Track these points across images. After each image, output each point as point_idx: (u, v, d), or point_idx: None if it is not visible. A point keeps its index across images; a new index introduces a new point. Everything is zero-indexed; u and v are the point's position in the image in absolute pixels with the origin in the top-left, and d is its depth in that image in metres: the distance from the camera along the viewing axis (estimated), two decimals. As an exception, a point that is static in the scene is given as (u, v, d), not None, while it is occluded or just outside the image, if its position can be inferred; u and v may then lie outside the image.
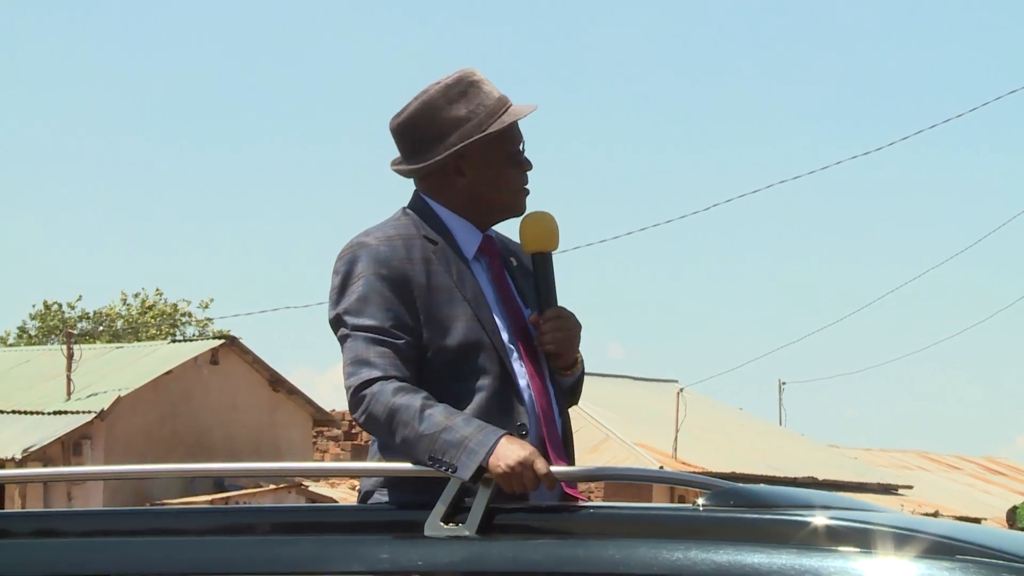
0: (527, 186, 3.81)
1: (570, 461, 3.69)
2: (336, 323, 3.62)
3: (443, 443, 3.35)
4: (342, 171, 59.68)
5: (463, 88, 3.78)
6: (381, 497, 3.57)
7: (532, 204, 3.85)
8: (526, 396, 3.65)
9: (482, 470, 3.30)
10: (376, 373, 3.49)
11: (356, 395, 3.50)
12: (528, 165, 3.81)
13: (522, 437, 3.52)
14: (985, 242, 31.43)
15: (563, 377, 3.77)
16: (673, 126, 57.92)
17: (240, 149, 61.06)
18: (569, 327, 3.70)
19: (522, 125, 3.83)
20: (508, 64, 55.23)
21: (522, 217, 3.79)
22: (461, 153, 3.74)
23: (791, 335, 65.36)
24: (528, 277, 3.81)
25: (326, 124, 61.79)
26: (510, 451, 3.33)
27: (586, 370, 3.91)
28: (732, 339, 56.73)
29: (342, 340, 3.60)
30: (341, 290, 3.62)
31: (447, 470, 3.32)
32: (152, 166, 60.93)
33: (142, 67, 62.09)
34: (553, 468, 3.37)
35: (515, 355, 3.68)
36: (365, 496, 3.63)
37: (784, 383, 38.85)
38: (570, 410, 3.85)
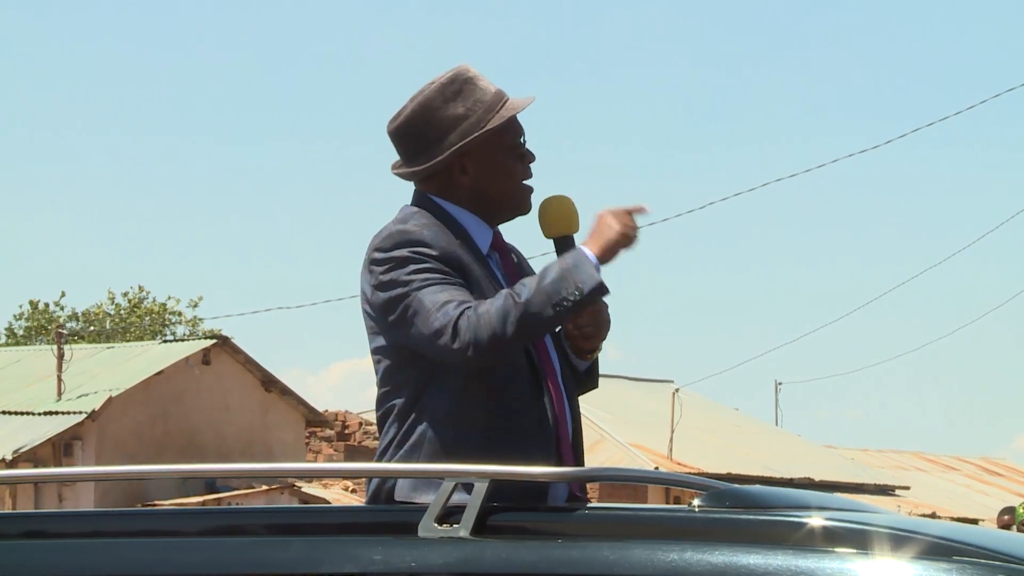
0: (531, 179, 3.82)
1: (579, 462, 3.71)
2: (387, 287, 3.58)
3: (550, 287, 3.46)
4: (334, 170, 59.72)
5: (459, 86, 3.78)
6: (413, 495, 3.52)
7: (534, 200, 3.83)
8: (547, 390, 3.67)
9: (597, 273, 3.46)
10: (458, 308, 3.49)
11: (455, 329, 3.47)
12: (531, 157, 3.82)
13: (551, 427, 3.60)
14: (982, 241, 31.40)
15: (584, 360, 3.77)
16: (669, 124, 57.96)
17: (230, 146, 60.98)
18: (601, 309, 3.67)
19: (521, 119, 3.83)
20: (497, 61, 55.17)
21: (541, 201, 3.78)
22: (463, 151, 3.75)
23: (787, 335, 65.31)
24: (527, 267, 3.82)
25: (318, 122, 61.79)
26: (605, 232, 3.54)
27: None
28: (728, 339, 56.78)
29: (402, 300, 3.55)
30: (392, 266, 3.59)
31: (578, 297, 3.45)
32: (136, 163, 60.82)
33: (126, 64, 62.12)
34: (555, 469, 3.41)
35: (531, 347, 3.68)
36: (386, 494, 3.58)
37: (780, 383, 38.84)
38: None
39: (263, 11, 62.22)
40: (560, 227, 3.73)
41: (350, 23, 61.65)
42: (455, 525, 3.11)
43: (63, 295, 48.93)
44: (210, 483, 26.54)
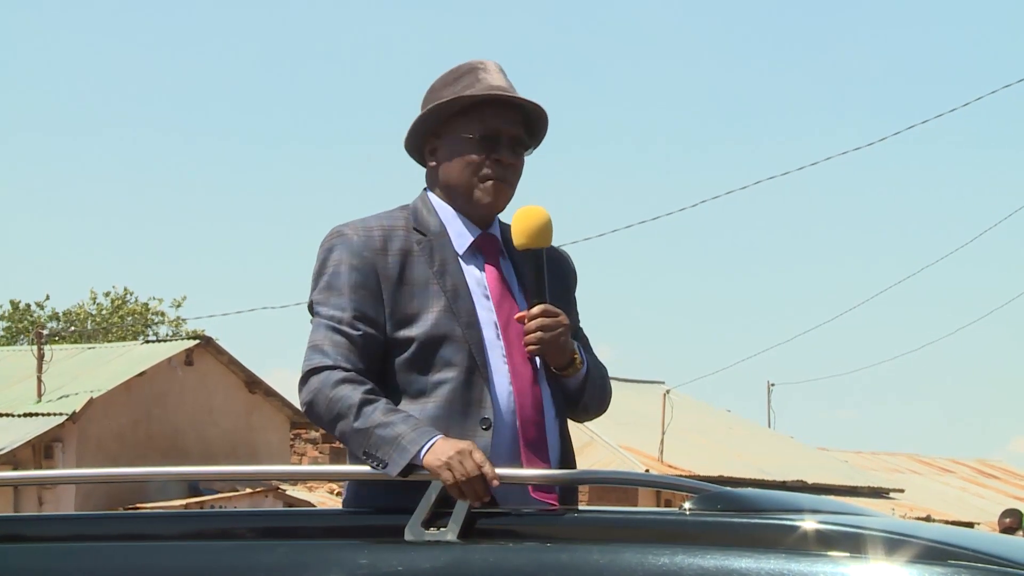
0: (501, 179, 3.73)
1: (563, 467, 3.65)
2: (309, 308, 3.70)
3: (377, 439, 3.42)
4: (318, 170, 59.65)
5: (460, 73, 3.78)
6: (363, 494, 3.57)
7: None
8: (500, 392, 3.60)
9: (412, 467, 3.34)
10: (326, 362, 3.54)
11: (304, 381, 3.56)
12: (503, 156, 3.72)
13: (484, 431, 3.53)
14: (979, 241, 31.17)
15: (565, 377, 3.71)
16: (660, 123, 57.80)
17: (214, 146, 60.89)
18: (552, 327, 3.63)
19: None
20: (488, 55, 54.79)
21: (517, 210, 3.74)
22: (437, 134, 3.76)
23: (780, 335, 65.43)
24: (556, 278, 3.77)
25: (303, 122, 61.75)
26: (447, 446, 3.34)
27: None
28: (720, 339, 56.61)
29: (311, 310, 3.68)
30: (316, 277, 3.68)
31: (378, 466, 3.38)
32: (120, 163, 60.64)
33: (108, 64, 61.94)
34: (510, 471, 3.36)
35: (499, 351, 3.64)
36: (350, 494, 3.64)
37: (773, 384, 38.92)
38: None
39: (246, 10, 62.14)
40: (527, 240, 3.68)
41: (337, 20, 61.60)
42: (442, 529, 3.11)
43: (47, 297, 48.93)
44: (193, 486, 26.48)
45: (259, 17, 61.67)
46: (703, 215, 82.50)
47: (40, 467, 25.92)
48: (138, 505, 24.81)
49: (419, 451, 3.35)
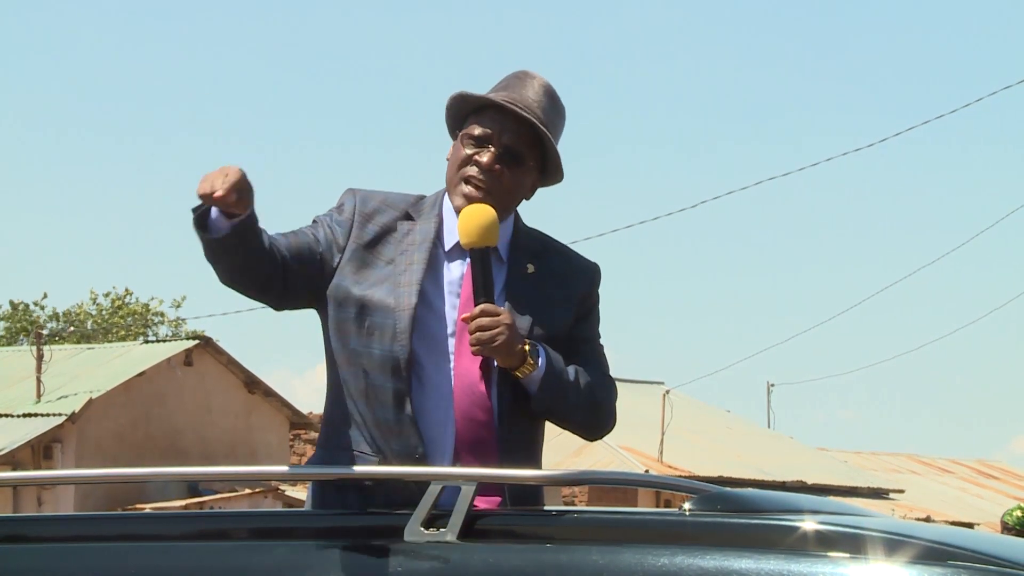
0: (478, 181, 3.74)
1: (509, 465, 3.59)
2: None
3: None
4: (318, 170, 59.53)
5: (508, 79, 3.83)
6: (328, 494, 3.63)
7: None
8: (439, 388, 3.64)
9: (201, 213, 3.54)
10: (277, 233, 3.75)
11: None
12: (483, 155, 3.74)
13: (404, 414, 3.61)
14: (977, 241, 31.17)
15: (519, 378, 3.67)
16: (659, 123, 57.76)
17: (213, 146, 60.57)
18: (488, 326, 3.60)
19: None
20: (487, 61, 54.94)
21: (464, 208, 3.74)
22: (454, 133, 3.86)
23: (780, 335, 65.36)
24: (557, 284, 3.78)
25: (302, 122, 61.67)
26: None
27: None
28: (719, 339, 56.58)
29: None
30: None
31: (200, 234, 3.57)
32: (120, 162, 60.55)
33: (109, 65, 61.83)
34: (510, 471, 3.37)
35: (446, 348, 3.66)
36: (315, 496, 3.69)
37: (772, 385, 38.84)
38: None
39: (247, 11, 62.11)
40: (472, 238, 3.67)
41: (339, 21, 61.56)
42: (442, 529, 3.09)
43: (45, 296, 48.92)
44: (193, 486, 26.46)
45: (260, 17, 61.70)
46: (703, 215, 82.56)
47: (39, 467, 25.98)
48: (138, 505, 24.86)
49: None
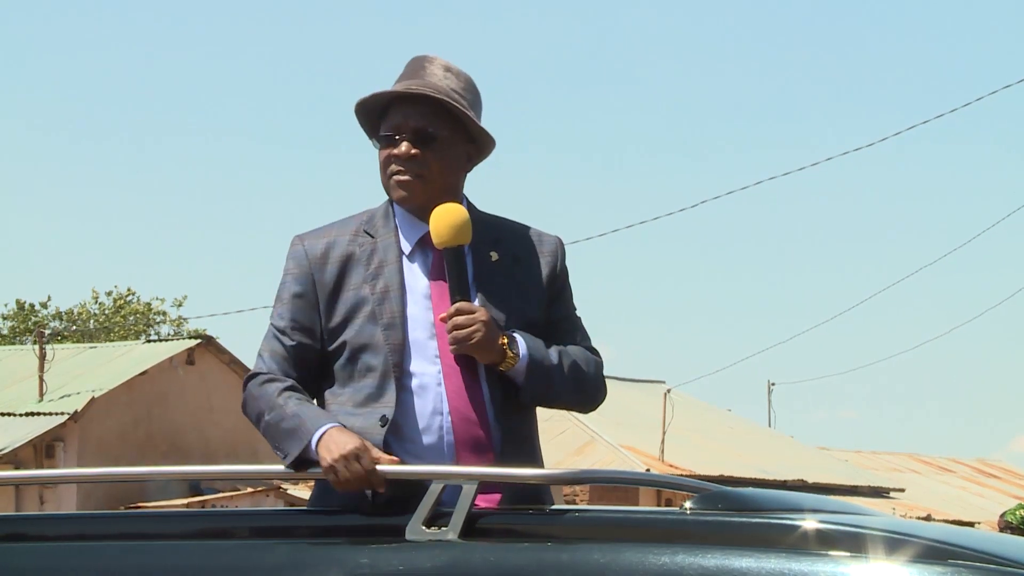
0: (404, 172, 3.75)
1: (509, 461, 3.58)
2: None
3: (282, 431, 3.55)
4: (318, 171, 59.54)
5: (400, 74, 3.84)
6: (328, 491, 3.59)
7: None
8: (424, 391, 3.63)
9: (303, 462, 3.49)
10: (262, 368, 3.71)
11: (244, 387, 3.73)
12: (399, 147, 3.75)
13: (380, 428, 3.57)
14: (977, 241, 31.17)
15: (504, 372, 3.66)
16: (661, 123, 57.76)
17: (215, 146, 60.82)
18: (464, 325, 3.61)
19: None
20: (487, 64, 54.94)
21: (434, 209, 3.71)
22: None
23: (780, 335, 65.26)
24: (523, 267, 3.77)
25: (302, 124, 61.67)
26: (338, 439, 3.44)
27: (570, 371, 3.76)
28: (720, 339, 56.60)
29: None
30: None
31: (283, 457, 3.54)
32: (122, 163, 60.63)
33: (108, 65, 61.94)
34: (508, 471, 3.37)
35: (431, 351, 3.65)
36: (316, 492, 3.69)
37: (773, 384, 38.86)
38: (559, 412, 3.81)
39: (248, 11, 62.09)
40: (445, 238, 3.66)
41: (340, 21, 61.57)
42: (443, 528, 3.10)
43: (49, 298, 48.89)
44: (194, 485, 26.45)
45: (261, 18, 61.72)
46: (703, 215, 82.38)
47: (41, 466, 25.91)
48: (139, 504, 24.84)
49: (310, 442, 3.48)
